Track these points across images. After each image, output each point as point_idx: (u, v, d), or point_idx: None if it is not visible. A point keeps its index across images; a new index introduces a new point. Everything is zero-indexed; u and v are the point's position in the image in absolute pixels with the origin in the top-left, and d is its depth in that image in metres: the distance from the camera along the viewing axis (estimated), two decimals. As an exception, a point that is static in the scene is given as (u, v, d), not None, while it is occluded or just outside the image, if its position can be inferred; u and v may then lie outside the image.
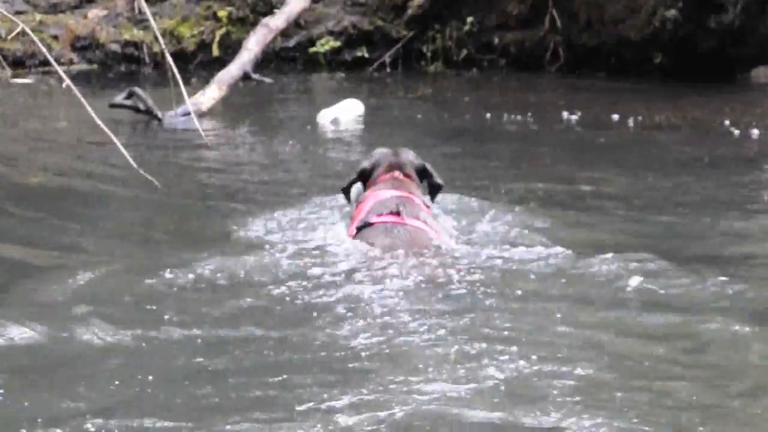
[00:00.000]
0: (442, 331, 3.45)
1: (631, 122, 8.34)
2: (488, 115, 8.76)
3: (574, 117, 8.56)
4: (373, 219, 4.41)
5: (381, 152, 4.93)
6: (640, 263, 4.15)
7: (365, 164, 4.88)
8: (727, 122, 8.10)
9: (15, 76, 10.68)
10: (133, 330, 3.46)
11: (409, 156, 4.92)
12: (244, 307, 3.75)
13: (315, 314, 3.66)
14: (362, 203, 4.64)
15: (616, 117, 8.49)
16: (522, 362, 3.19)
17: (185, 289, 3.93)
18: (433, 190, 4.93)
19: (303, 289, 3.89)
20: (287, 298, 3.82)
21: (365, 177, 4.85)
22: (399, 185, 4.68)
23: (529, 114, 8.69)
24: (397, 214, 4.39)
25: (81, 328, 3.43)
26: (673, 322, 3.64)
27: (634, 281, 3.96)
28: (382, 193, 4.57)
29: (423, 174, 4.90)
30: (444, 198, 5.12)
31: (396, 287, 3.92)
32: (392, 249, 4.25)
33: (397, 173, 4.77)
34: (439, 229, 4.58)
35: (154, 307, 3.71)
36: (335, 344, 3.39)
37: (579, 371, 3.14)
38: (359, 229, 4.43)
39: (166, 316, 3.60)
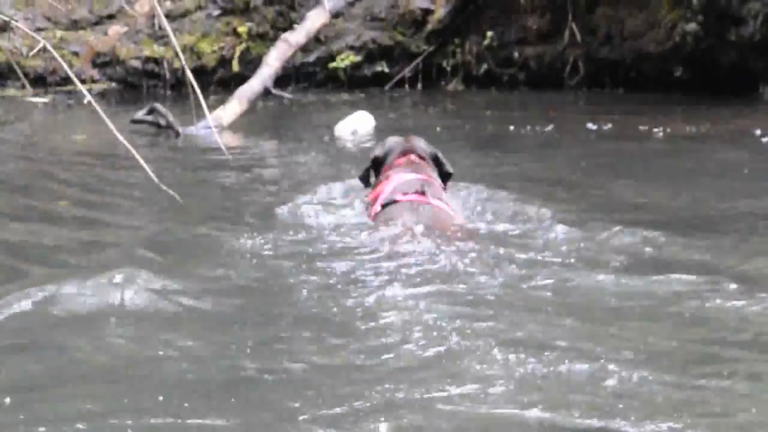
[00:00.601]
0: (469, 332, 3.34)
1: (660, 133, 8.21)
2: (511, 127, 8.66)
3: (600, 128, 8.46)
4: (399, 197, 4.49)
5: (393, 140, 5.08)
6: (681, 273, 4.05)
7: (378, 152, 5.04)
8: (758, 132, 7.98)
9: (33, 95, 10.69)
10: (144, 343, 3.34)
11: (420, 143, 5.06)
12: (273, 307, 3.67)
13: (338, 316, 3.56)
14: (381, 184, 4.72)
15: (643, 128, 8.38)
16: (556, 363, 3.07)
17: (205, 293, 3.86)
18: (444, 178, 5.04)
19: (325, 288, 3.79)
20: (309, 297, 3.73)
21: (378, 164, 4.99)
22: (418, 169, 4.79)
23: (553, 125, 8.59)
24: (422, 193, 4.49)
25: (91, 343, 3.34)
26: (719, 323, 3.51)
27: None
28: (404, 176, 4.67)
29: (435, 162, 5.03)
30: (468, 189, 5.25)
31: (423, 284, 3.81)
32: (417, 225, 4.30)
33: (413, 156, 4.89)
34: (459, 210, 4.70)
35: (173, 313, 3.62)
36: (364, 343, 3.29)
37: (614, 372, 3.03)
38: (384, 206, 4.48)
39: (191, 320, 3.53)
